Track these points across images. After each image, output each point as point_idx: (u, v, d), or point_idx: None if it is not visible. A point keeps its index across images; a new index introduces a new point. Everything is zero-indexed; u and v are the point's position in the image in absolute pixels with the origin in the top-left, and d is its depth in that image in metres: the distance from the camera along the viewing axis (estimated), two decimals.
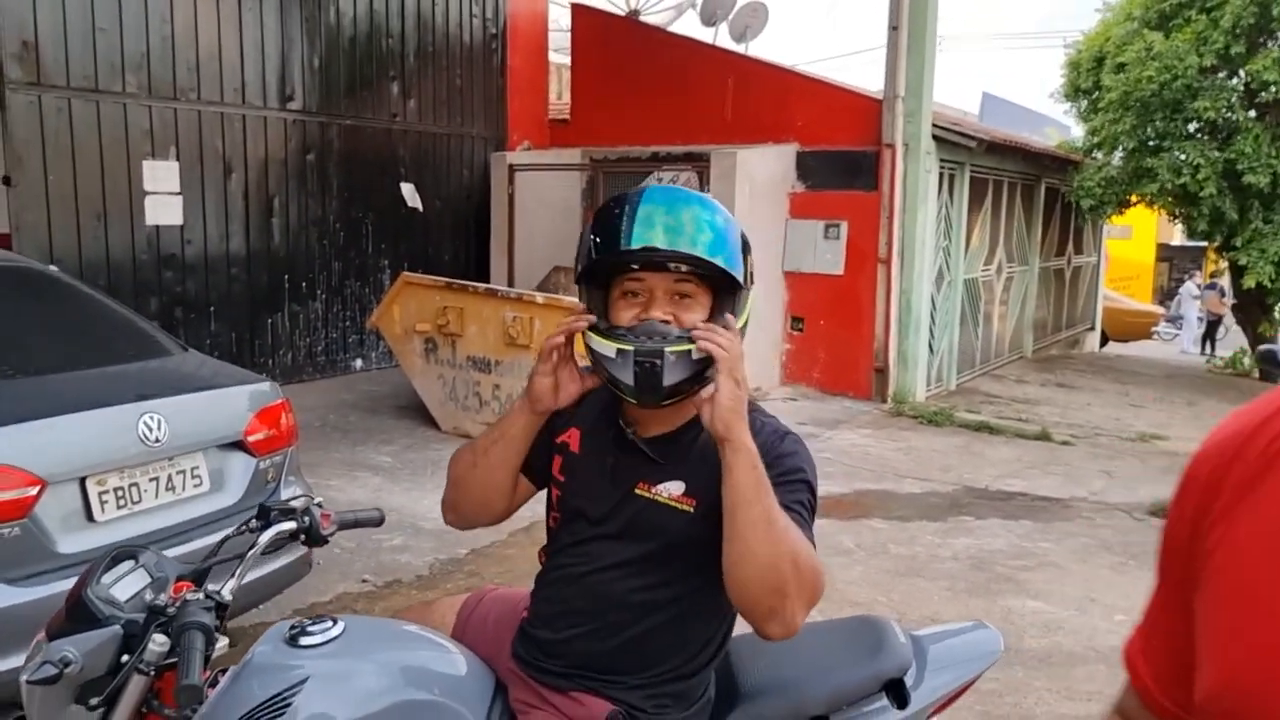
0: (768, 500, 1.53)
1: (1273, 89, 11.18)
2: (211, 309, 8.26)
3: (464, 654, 1.83)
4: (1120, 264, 25.13)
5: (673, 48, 10.87)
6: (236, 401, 3.49)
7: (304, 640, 1.66)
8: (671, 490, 1.73)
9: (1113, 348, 17.91)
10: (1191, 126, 11.75)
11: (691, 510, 1.70)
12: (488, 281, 9.71)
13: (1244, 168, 11.12)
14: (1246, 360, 14.72)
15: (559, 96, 12.94)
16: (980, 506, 6.35)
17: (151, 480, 3.11)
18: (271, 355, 8.69)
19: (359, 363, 9.56)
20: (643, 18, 13.45)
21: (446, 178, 10.37)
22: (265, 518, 1.90)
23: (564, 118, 11.66)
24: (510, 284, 9.63)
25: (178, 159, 7.93)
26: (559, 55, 12.87)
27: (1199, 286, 19.66)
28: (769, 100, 10.06)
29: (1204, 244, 30.99)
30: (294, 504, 1.95)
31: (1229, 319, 19.58)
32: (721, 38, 12.28)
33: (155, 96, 7.76)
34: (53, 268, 3.99)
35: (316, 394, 8.40)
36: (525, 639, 1.85)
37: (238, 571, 1.81)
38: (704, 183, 9.33)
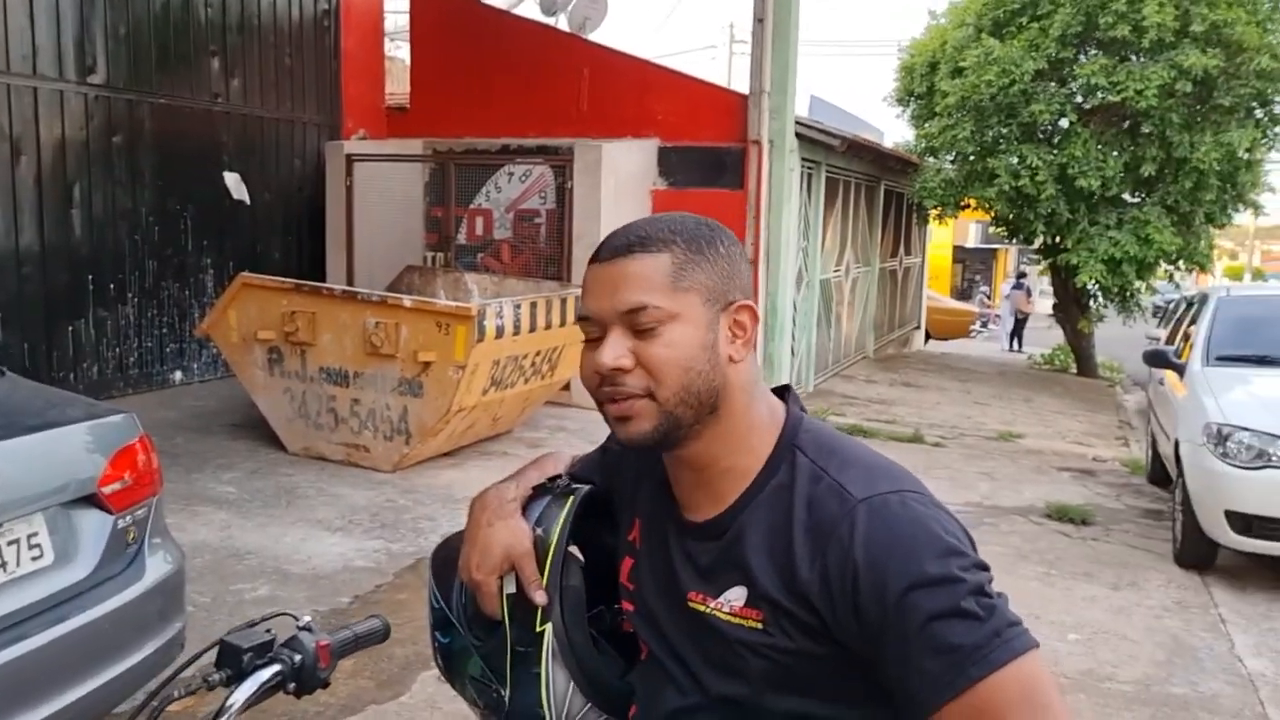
0: None
1: (1099, 95, 11.65)
2: None
3: None
4: None
5: (520, 34, 10.22)
6: (84, 442, 2.66)
7: None
8: (732, 601, 1.15)
9: (934, 345, 18.51)
10: (1020, 131, 12.09)
11: (760, 627, 1.13)
12: (324, 281, 8.77)
13: (1075, 171, 11.53)
14: (1064, 356, 15.48)
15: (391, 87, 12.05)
16: None
17: None
18: (74, 368, 7.47)
19: (179, 375, 8.40)
20: (483, 1, 12.70)
21: (276, 167, 9.32)
22: (234, 663, 1.20)
23: (401, 106, 10.80)
24: (350, 283, 8.72)
25: None
26: (391, 45, 11.98)
27: (1011, 287, 20.60)
28: (627, 92, 9.59)
29: (995, 247, 33.10)
30: (268, 634, 1.26)
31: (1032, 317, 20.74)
32: (560, 28, 11.75)
33: None
34: None
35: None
36: None
37: None
38: (564, 178, 8.77)
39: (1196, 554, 5.37)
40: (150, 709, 1.15)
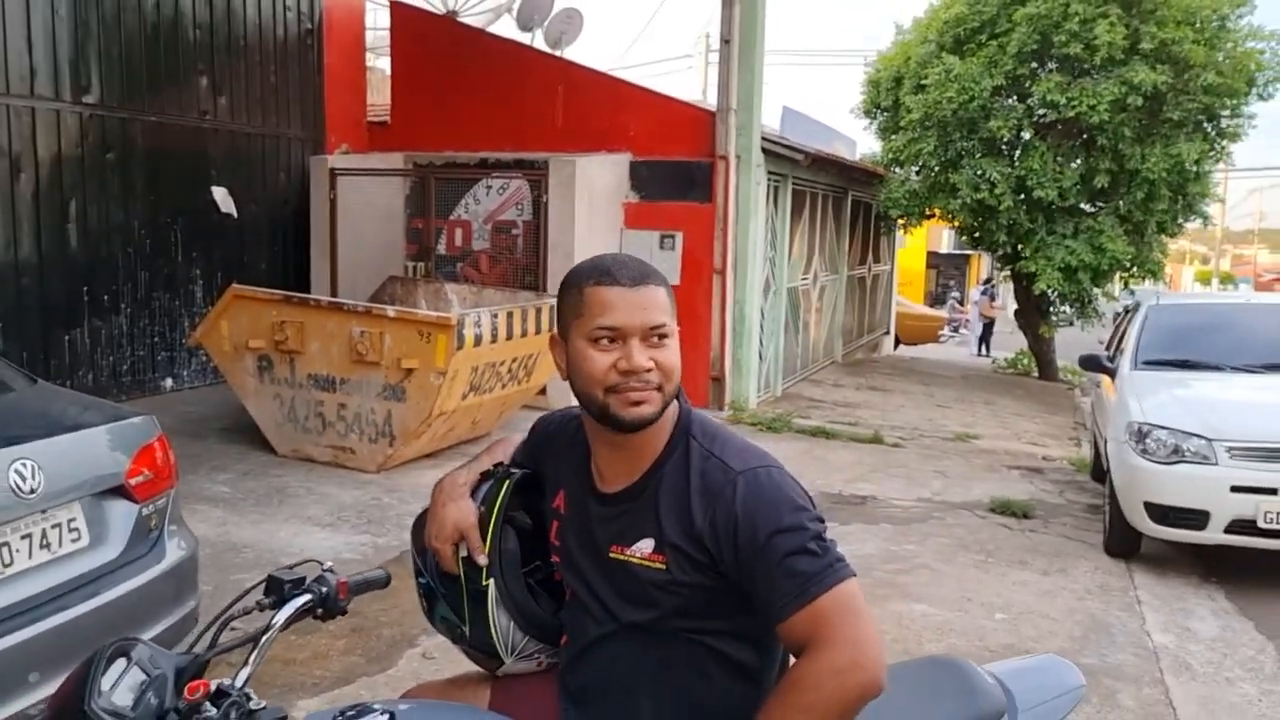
0: None
1: (1056, 109, 12.14)
2: None
3: None
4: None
5: (498, 51, 10.61)
6: (112, 440, 3.05)
7: None
8: (643, 549, 1.59)
9: (904, 350, 18.99)
10: (981, 145, 12.57)
11: (664, 569, 1.57)
12: (309, 291, 9.13)
13: (1034, 183, 12.03)
14: (1026, 361, 15.97)
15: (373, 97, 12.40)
16: (841, 512, 6.50)
17: (24, 538, 2.65)
18: (70, 376, 7.80)
19: (169, 382, 8.75)
20: (460, 19, 13.08)
21: (262, 181, 9.68)
22: (278, 591, 1.62)
23: (382, 120, 11.17)
24: (333, 293, 9.09)
25: None
26: (372, 58, 12.34)
27: (979, 293, 21.12)
28: (601, 108, 9.98)
29: (968, 253, 33.75)
30: (303, 572, 1.67)
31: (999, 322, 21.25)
32: (537, 43, 12.14)
33: None
34: None
35: None
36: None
37: (253, 658, 1.52)
38: (540, 191, 9.15)
39: (1123, 543, 5.81)
40: (218, 624, 1.55)
